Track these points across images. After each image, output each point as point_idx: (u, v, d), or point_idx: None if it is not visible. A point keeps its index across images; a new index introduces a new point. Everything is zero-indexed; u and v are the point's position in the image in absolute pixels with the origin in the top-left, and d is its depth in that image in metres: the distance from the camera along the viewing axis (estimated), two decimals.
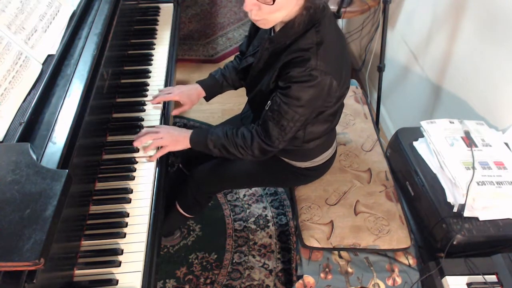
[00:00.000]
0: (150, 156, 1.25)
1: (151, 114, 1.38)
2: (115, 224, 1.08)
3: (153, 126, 1.31)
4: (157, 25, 1.73)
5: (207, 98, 1.48)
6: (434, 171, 1.40)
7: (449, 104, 1.80)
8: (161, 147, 1.26)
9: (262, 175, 1.47)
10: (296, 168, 1.41)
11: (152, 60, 1.57)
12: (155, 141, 1.25)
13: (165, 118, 1.42)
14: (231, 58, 1.90)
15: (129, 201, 1.13)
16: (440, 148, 1.40)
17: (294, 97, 1.09)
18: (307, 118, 1.16)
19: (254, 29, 1.33)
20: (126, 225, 1.08)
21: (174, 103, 1.49)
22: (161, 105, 1.41)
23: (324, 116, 1.23)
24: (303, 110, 1.11)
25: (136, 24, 1.71)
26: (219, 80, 1.46)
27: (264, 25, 1.10)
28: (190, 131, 1.28)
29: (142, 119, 1.35)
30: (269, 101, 1.17)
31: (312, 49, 1.06)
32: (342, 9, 2.17)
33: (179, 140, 1.26)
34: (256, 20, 1.08)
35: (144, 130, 1.28)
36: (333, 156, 1.47)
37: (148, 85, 1.47)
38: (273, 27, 1.16)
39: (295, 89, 1.08)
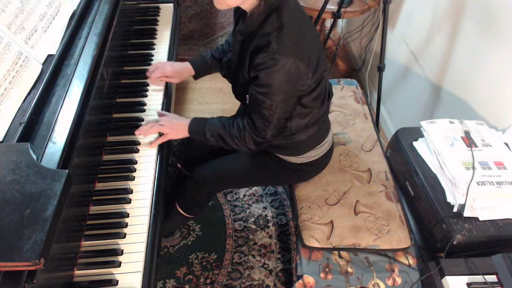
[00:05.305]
0: (151, 143, 1.29)
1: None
2: (115, 225, 1.08)
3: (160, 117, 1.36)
4: (157, 25, 1.74)
5: (196, 77, 1.56)
6: (434, 171, 1.40)
7: (449, 104, 1.80)
8: (162, 134, 1.30)
9: (260, 173, 1.48)
10: (292, 164, 1.42)
11: (152, 60, 1.57)
12: (155, 127, 1.29)
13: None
14: None
15: (129, 201, 1.14)
16: (440, 148, 1.40)
17: (265, 85, 1.11)
18: (287, 104, 1.17)
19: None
20: (126, 225, 1.08)
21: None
22: (163, 86, 1.47)
23: (305, 102, 1.23)
24: (278, 96, 1.12)
25: (136, 24, 1.71)
26: (208, 62, 1.52)
27: (220, 4, 1.11)
28: (189, 120, 1.33)
29: (142, 119, 1.36)
30: (247, 95, 1.20)
31: (273, 34, 1.09)
32: (342, 9, 2.17)
33: (178, 128, 1.31)
34: None
35: (146, 122, 1.32)
36: (329, 152, 1.47)
37: (148, 85, 1.47)
38: (243, 20, 1.19)
39: (262, 77, 1.10)
